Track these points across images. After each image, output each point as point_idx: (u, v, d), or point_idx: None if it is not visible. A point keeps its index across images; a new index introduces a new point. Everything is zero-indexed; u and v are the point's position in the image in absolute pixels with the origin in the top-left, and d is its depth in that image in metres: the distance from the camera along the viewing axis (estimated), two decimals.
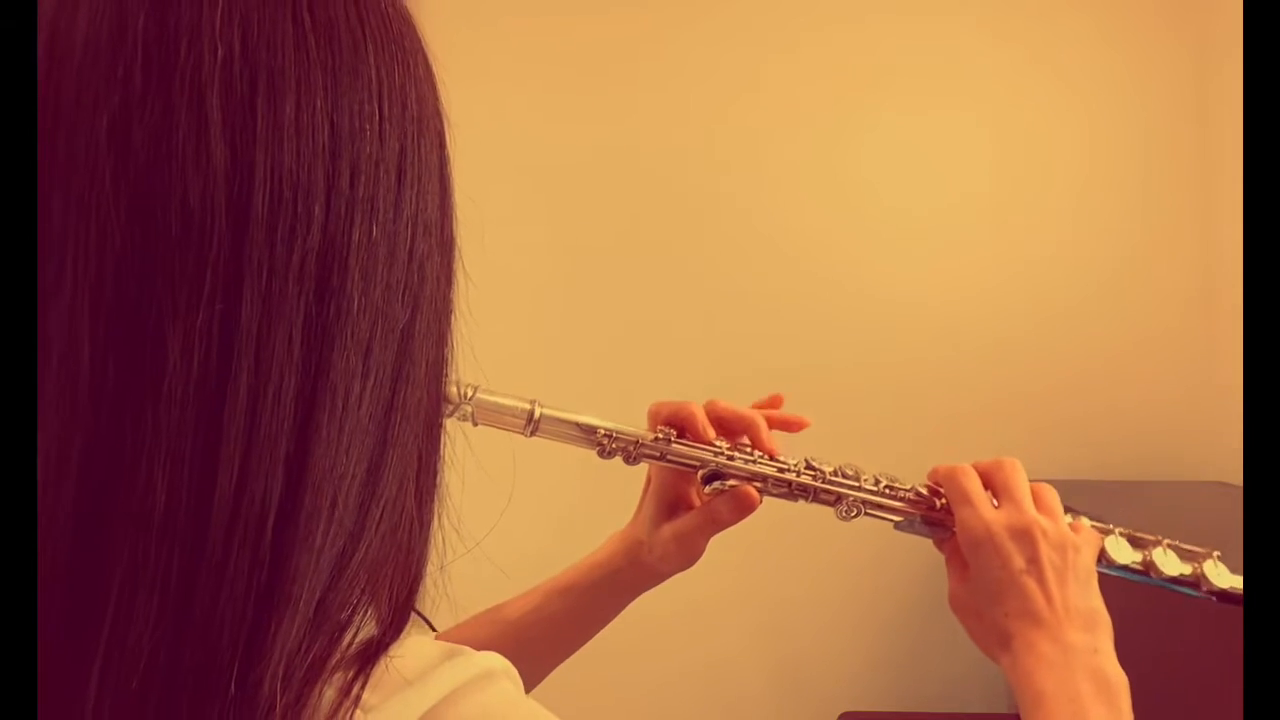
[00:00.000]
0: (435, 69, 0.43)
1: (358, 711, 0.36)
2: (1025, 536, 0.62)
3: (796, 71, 1.85)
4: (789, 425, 0.72)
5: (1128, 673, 0.60)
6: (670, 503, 0.72)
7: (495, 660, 0.40)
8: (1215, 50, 1.77)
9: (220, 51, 0.35)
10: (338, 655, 0.37)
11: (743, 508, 0.69)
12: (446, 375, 0.43)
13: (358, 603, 0.38)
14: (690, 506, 0.72)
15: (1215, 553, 0.67)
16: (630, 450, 0.67)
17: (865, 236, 1.85)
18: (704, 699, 1.83)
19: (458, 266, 0.43)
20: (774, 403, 0.73)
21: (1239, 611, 0.66)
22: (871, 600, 1.84)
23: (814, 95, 1.85)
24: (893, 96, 1.84)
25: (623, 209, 1.84)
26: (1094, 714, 0.57)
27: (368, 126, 0.38)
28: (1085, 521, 0.66)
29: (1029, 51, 1.84)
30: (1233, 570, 0.66)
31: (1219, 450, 1.70)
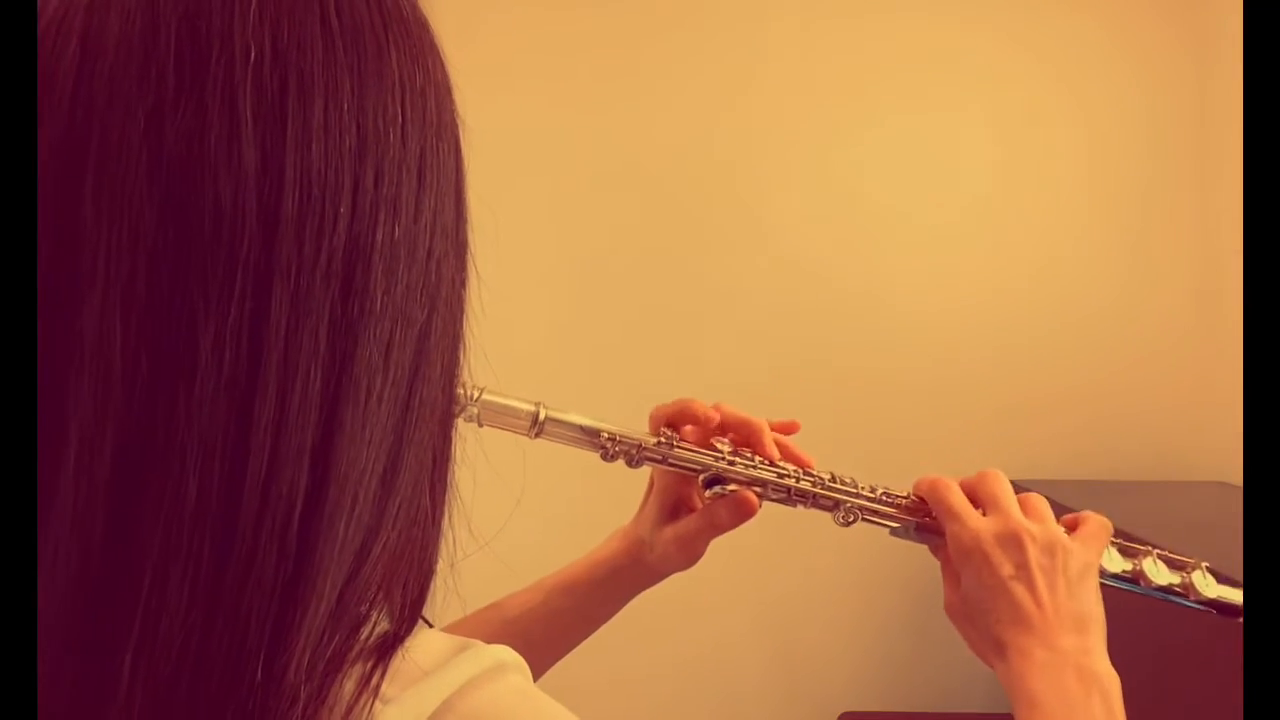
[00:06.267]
0: (451, 75, 0.43)
1: (377, 703, 0.37)
2: (1013, 542, 0.63)
3: (804, 75, 1.85)
4: (785, 430, 0.73)
5: (1123, 674, 0.61)
6: (672, 504, 0.73)
7: (506, 653, 0.41)
8: (1215, 50, 1.77)
9: (252, 53, 0.36)
10: (356, 648, 0.38)
11: (742, 512, 0.70)
12: (459, 377, 0.44)
13: (374, 597, 0.39)
14: (692, 509, 0.73)
15: (1204, 564, 0.68)
16: (633, 454, 0.69)
17: (870, 240, 1.86)
18: (704, 699, 1.84)
19: (471, 269, 0.44)
20: (789, 428, 0.73)
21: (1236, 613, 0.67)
22: (872, 600, 1.85)
23: (822, 98, 1.85)
24: (896, 98, 1.85)
25: (632, 214, 1.85)
26: (1085, 713, 0.58)
27: (391, 129, 0.39)
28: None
29: (1029, 53, 1.84)
30: (1220, 580, 0.67)
31: (1219, 450, 1.71)
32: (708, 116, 1.85)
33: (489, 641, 0.42)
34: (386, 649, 0.38)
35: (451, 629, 0.72)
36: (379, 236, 0.38)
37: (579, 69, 1.85)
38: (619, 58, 1.86)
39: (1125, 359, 1.84)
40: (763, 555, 1.81)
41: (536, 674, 0.73)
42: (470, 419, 0.65)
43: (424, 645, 0.40)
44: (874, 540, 1.78)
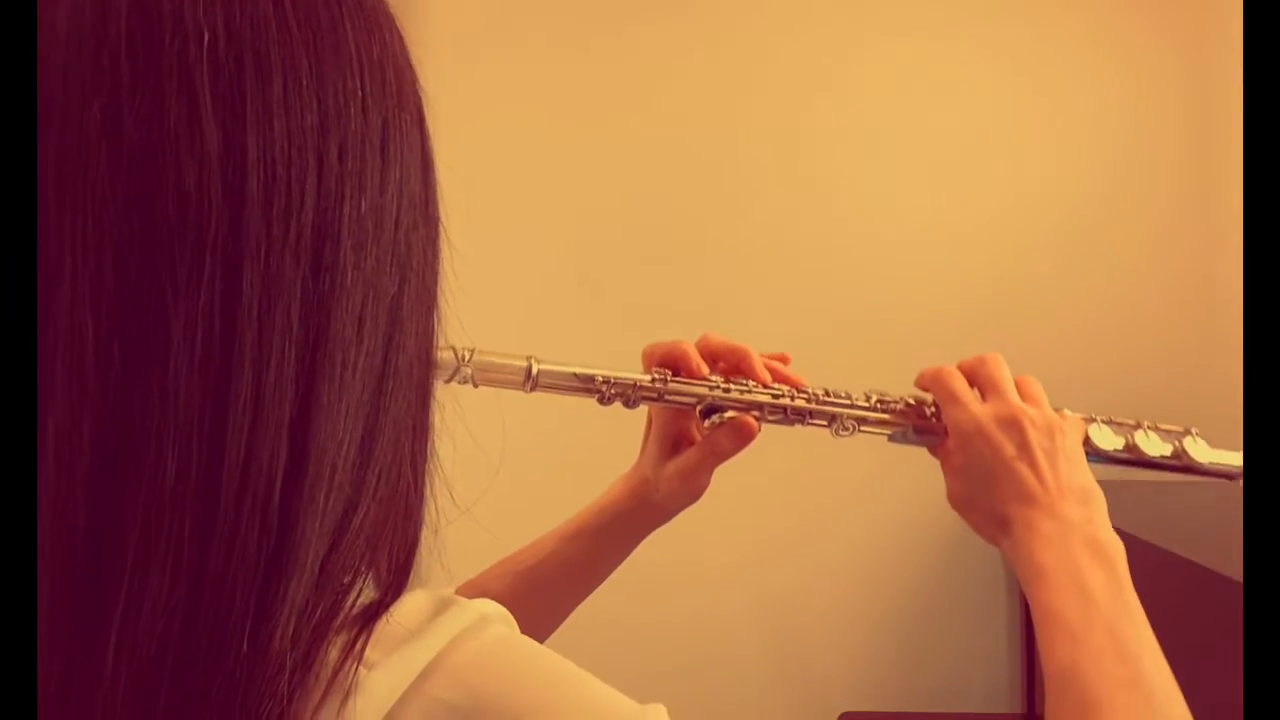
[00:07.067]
0: (411, 46, 0.43)
1: (362, 668, 0.37)
2: (1013, 425, 0.64)
3: (806, 76, 1.84)
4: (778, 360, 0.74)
5: None
6: (673, 440, 0.74)
7: (488, 605, 0.41)
8: (1214, 50, 1.77)
9: (205, 35, 0.35)
10: (341, 617, 0.38)
11: (742, 437, 0.71)
12: (436, 345, 0.44)
13: (358, 566, 0.40)
14: (692, 442, 0.74)
15: (1193, 429, 0.69)
16: (629, 394, 0.69)
17: (868, 232, 1.84)
18: (704, 700, 1.82)
19: (443, 240, 0.44)
20: (780, 359, 0.74)
21: (1238, 600, 0.66)
22: (872, 601, 1.83)
23: (822, 97, 1.84)
24: (891, 98, 1.83)
25: (614, 187, 1.83)
26: (1093, 579, 0.59)
27: (351, 103, 0.38)
28: (1067, 412, 0.69)
29: (1029, 55, 1.83)
30: (1212, 445, 0.69)
31: (1218, 448, 1.70)
32: (706, 105, 1.83)
33: (501, 596, 0.42)
34: (371, 616, 0.39)
35: (465, 587, 0.73)
36: (346, 211, 0.38)
37: (575, 51, 1.83)
38: (612, 43, 1.84)
39: (1124, 358, 1.82)
40: (764, 558, 1.80)
41: (551, 624, 0.75)
42: (465, 380, 0.65)
43: (406, 608, 0.40)
44: (876, 540, 1.78)
